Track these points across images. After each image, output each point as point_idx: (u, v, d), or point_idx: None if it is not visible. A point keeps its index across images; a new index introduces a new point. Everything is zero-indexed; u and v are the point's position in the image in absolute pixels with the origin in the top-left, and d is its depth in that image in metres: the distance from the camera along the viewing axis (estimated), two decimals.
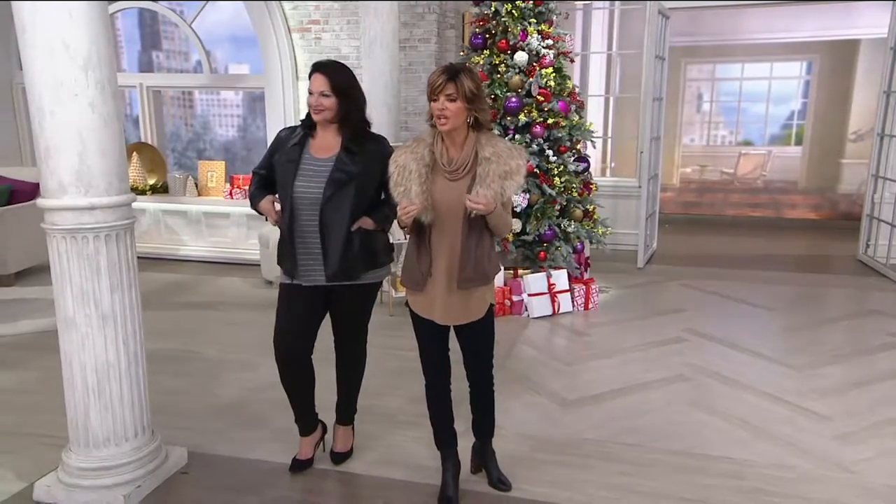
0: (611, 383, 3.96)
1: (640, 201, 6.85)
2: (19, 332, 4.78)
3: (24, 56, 2.48)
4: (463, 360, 2.71)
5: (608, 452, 3.15)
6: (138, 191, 7.08)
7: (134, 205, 6.10)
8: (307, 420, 3.00)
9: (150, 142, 7.58)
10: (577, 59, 8.73)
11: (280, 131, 2.88)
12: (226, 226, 6.84)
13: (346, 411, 3.08)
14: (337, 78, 2.70)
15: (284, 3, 6.67)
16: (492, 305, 2.66)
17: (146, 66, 10.71)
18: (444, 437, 2.79)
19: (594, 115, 9.32)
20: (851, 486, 2.86)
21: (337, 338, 2.97)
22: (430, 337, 2.67)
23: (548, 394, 3.81)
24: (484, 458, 2.89)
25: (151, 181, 7.26)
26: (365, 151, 2.74)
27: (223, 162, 7.15)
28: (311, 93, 2.69)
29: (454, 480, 2.77)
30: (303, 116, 2.84)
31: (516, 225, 5.26)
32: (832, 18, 10.01)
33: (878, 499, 2.77)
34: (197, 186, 7.07)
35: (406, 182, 2.46)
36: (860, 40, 10.93)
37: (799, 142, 12.78)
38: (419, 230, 2.53)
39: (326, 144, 2.75)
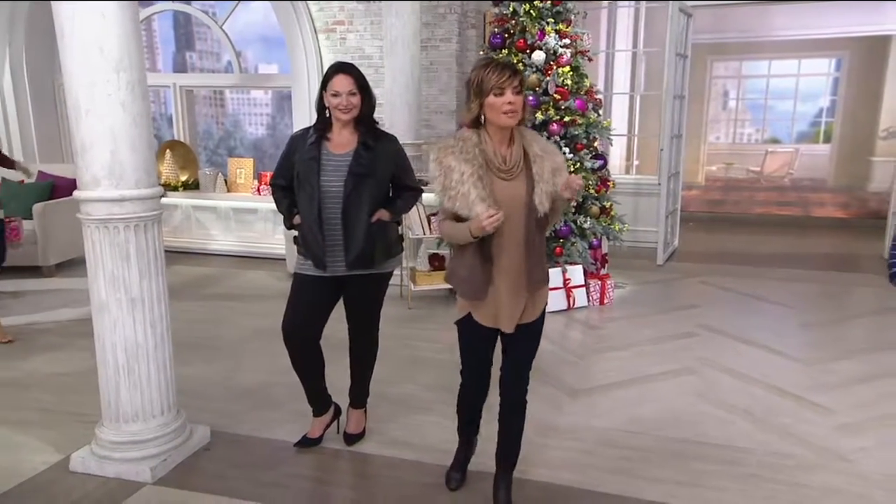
0: (620, 375, 4.06)
1: (660, 199, 6.89)
2: (60, 320, 5.04)
3: (62, 58, 2.68)
4: (502, 368, 2.58)
5: (611, 439, 3.26)
6: (171, 187, 7.36)
7: (166, 200, 6.30)
8: (319, 402, 3.17)
9: (182, 139, 7.85)
10: (602, 57, 8.79)
11: (293, 134, 3.04)
12: (253, 221, 7.07)
13: (359, 395, 3.23)
14: (360, 77, 2.86)
15: (311, 5, 6.86)
16: (544, 307, 2.58)
17: (180, 67, 11.04)
18: (466, 430, 2.85)
19: (619, 113, 9.36)
20: (847, 475, 2.93)
21: (351, 326, 3.12)
22: (481, 345, 2.56)
23: (558, 384, 3.92)
24: (495, 492, 2.68)
25: (183, 178, 7.53)
26: (380, 147, 2.90)
27: (252, 159, 7.39)
28: (337, 94, 2.80)
29: (465, 461, 2.89)
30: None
31: None
32: (862, 14, 9.88)
33: (872, 486, 2.84)
34: (226, 183, 7.32)
35: (459, 185, 2.30)
36: (891, 36, 10.76)
37: (827, 139, 12.63)
38: (482, 238, 2.37)
39: (342, 141, 2.90)
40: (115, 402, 2.90)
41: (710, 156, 12.99)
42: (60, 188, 6.49)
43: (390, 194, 3.05)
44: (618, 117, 9.30)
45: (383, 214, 2.94)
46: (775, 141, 13.42)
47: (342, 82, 2.81)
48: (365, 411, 3.29)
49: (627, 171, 9.54)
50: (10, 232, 5.35)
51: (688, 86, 7.42)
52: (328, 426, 3.23)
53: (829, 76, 12.67)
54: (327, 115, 2.91)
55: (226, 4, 7.54)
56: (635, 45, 9.51)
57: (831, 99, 12.55)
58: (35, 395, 3.76)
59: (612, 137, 5.77)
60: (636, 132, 9.68)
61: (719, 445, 3.19)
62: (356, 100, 2.83)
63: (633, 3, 8.77)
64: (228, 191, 7.29)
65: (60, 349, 4.46)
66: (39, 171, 6.76)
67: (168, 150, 7.60)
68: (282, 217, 3.08)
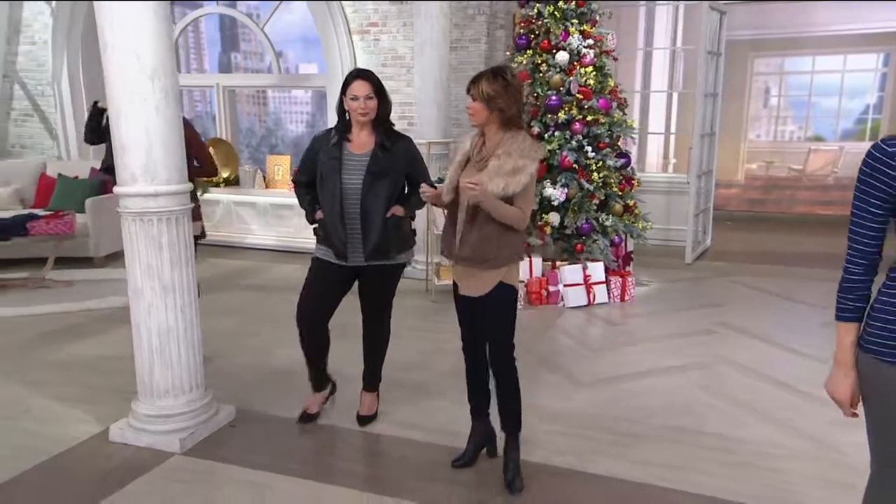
0: (629, 368, 4.18)
1: (689, 197, 6.91)
2: (108, 307, 5.41)
3: (105, 67, 2.96)
4: None
5: (610, 426, 3.40)
6: (213, 183, 7.73)
7: (208, 196, 6.72)
8: (318, 380, 3.45)
9: (225, 138, 8.22)
10: (640, 55, 8.82)
11: (316, 135, 3.27)
12: (290, 216, 7.37)
13: (371, 379, 3.46)
14: (377, 82, 3.10)
15: (346, 7, 7.11)
16: (504, 286, 2.77)
17: (225, 67, 11.45)
18: (472, 405, 3.07)
19: (657, 111, 9.36)
20: (836, 465, 3.01)
21: (364, 314, 3.35)
22: (460, 307, 2.95)
23: (566, 374, 4.06)
24: (504, 455, 2.94)
25: (225, 174, 7.89)
26: (396, 148, 3.13)
27: (289, 156, 7.71)
28: (355, 98, 3.04)
29: (473, 448, 3.05)
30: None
31: (555, 218, 5.50)
32: None
33: (858, 476, 2.86)
34: (265, 179, 7.66)
35: (450, 168, 2.90)
36: None
37: (874, 137, 12.31)
38: (452, 208, 2.84)
39: (361, 142, 3.14)
40: (150, 380, 3.18)
41: (751, 153, 12.80)
42: (109, 184, 6.89)
43: (406, 191, 3.26)
44: (655, 115, 9.31)
45: (398, 210, 3.16)
46: (819, 139, 13.12)
47: (360, 87, 3.04)
48: (378, 395, 3.50)
49: (664, 170, 9.54)
50: (64, 225, 5.76)
51: (722, 83, 7.42)
52: (325, 402, 3.50)
53: (876, 72, 12.33)
54: (347, 117, 3.13)
55: (269, 5, 7.86)
56: (674, 42, 9.49)
57: (878, 95, 12.21)
58: (82, 374, 4.09)
59: (634, 136, 5.85)
60: (673, 130, 9.66)
61: (716, 435, 3.30)
62: (373, 103, 3.06)
63: (667, 2, 8.76)
64: (267, 187, 7.63)
65: (106, 333, 4.82)
66: (92, 168, 7.20)
67: (211, 148, 7.97)
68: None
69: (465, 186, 2.65)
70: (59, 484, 2.93)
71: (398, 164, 3.14)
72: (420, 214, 6.00)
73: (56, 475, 3.00)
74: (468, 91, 2.74)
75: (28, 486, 2.91)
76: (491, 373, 2.93)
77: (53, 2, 7.73)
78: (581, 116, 5.48)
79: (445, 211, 2.93)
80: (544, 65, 5.57)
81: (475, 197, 2.62)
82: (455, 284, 2.95)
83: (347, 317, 3.39)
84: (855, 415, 1.80)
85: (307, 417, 3.45)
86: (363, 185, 3.07)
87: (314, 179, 3.21)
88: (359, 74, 3.09)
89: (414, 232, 3.34)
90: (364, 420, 3.43)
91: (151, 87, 2.91)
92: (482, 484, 2.93)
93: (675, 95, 9.53)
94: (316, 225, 3.25)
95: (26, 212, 6.26)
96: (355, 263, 3.16)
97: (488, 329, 2.87)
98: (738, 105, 11.84)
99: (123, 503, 2.78)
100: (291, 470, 3.03)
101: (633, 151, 6.72)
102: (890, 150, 1.59)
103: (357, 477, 3.02)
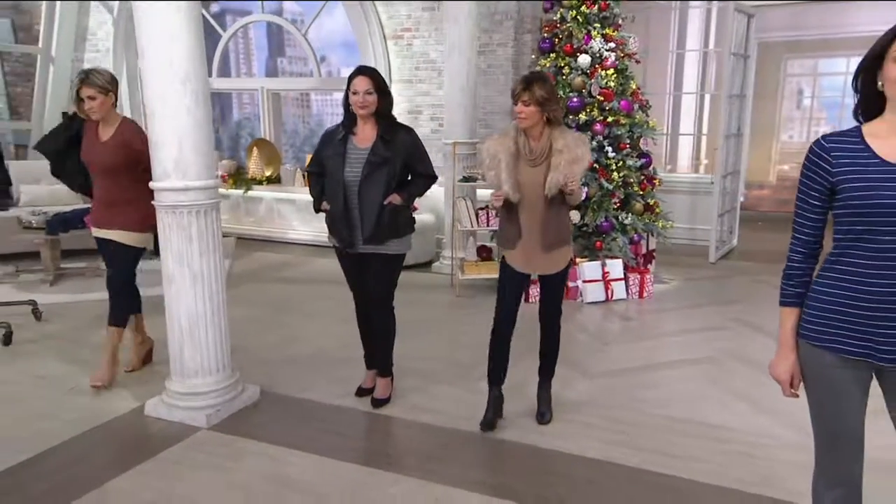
0: (638, 361, 4.30)
1: (713, 197, 6.95)
2: (154, 294, 5.70)
3: (142, 72, 3.26)
4: (539, 307, 3.42)
5: (612, 415, 3.54)
6: (256, 181, 8.13)
7: (252, 193, 7.10)
8: (369, 357, 3.76)
9: (268, 138, 8.59)
10: (673, 57, 8.86)
11: (327, 129, 3.52)
12: None
13: (383, 365, 3.68)
14: (377, 78, 3.33)
15: (381, 14, 7.38)
16: (571, 259, 3.37)
17: (272, 71, 11.89)
18: (495, 374, 3.38)
19: (688, 113, 9.37)
20: None
21: (370, 304, 3.58)
22: (510, 285, 3.30)
23: (575, 366, 4.20)
24: (539, 393, 3.52)
25: (268, 172, 8.28)
26: (396, 139, 3.35)
27: None
28: (356, 92, 3.28)
29: (494, 409, 3.39)
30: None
31: (576, 216, 5.63)
32: None
33: None
34: (304, 177, 7.99)
35: (496, 168, 3.14)
36: None
37: None
38: (509, 205, 3.19)
39: (365, 136, 3.37)
40: (180, 360, 3.47)
41: (783, 154, 12.57)
42: None
43: (409, 180, 3.48)
44: (686, 117, 9.32)
45: (395, 198, 3.36)
46: None
47: (361, 83, 3.28)
48: (391, 380, 3.72)
49: (696, 170, 9.53)
50: None
51: (753, 85, 7.42)
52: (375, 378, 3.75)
53: None
54: (351, 111, 3.36)
55: (313, 11, 8.18)
56: (707, 44, 9.47)
57: None
58: (125, 354, 4.40)
59: (655, 137, 5.94)
60: (705, 131, 9.64)
61: (713, 426, 3.40)
62: (372, 98, 3.28)
63: (696, 3, 8.77)
64: (306, 185, 7.94)
65: (149, 318, 5.10)
66: None
67: (255, 148, 8.37)
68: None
69: (568, 185, 3.03)
70: (99, 451, 3.23)
71: (396, 152, 3.34)
72: (445, 213, 6.26)
73: (96, 443, 3.30)
74: (516, 97, 3.07)
75: (72, 452, 3.21)
76: (543, 337, 3.45)
77: (116, 2, 8.26)
78: (602, 118, 5.61)
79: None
80: (567, 67, 5.71)
81: (571, 187, 3.04)
82: (505, 266, 3.28)
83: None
84: (794, 395, 1.92)
85: (362, 391, 3.76)
86: (361, 175, 3.30)
87: (324, 170, 3.45)
88: (360, 71, 3.32)
89: (413, 221, 3.53)
90: (377, 403, 3.64)
91: (183, 90, 3.19)
92: (480, 464, 3.13)
93: (706, 97, 9.52)
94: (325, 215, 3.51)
95: (85, 206, 6.71)
96: (355, 250, 3.41)
97: (555, 300, 3.41)
98: (771, 106, 11.68)
99: (153, 469, 3.05)
100: (306, 446, 3.25)
101: (661, 152, 6.79)
102: (828, 145, 1.72)
103: (366, 454, 3.24)
